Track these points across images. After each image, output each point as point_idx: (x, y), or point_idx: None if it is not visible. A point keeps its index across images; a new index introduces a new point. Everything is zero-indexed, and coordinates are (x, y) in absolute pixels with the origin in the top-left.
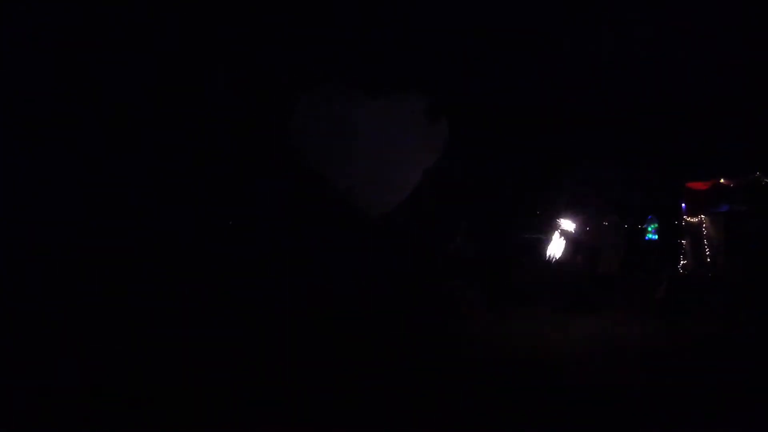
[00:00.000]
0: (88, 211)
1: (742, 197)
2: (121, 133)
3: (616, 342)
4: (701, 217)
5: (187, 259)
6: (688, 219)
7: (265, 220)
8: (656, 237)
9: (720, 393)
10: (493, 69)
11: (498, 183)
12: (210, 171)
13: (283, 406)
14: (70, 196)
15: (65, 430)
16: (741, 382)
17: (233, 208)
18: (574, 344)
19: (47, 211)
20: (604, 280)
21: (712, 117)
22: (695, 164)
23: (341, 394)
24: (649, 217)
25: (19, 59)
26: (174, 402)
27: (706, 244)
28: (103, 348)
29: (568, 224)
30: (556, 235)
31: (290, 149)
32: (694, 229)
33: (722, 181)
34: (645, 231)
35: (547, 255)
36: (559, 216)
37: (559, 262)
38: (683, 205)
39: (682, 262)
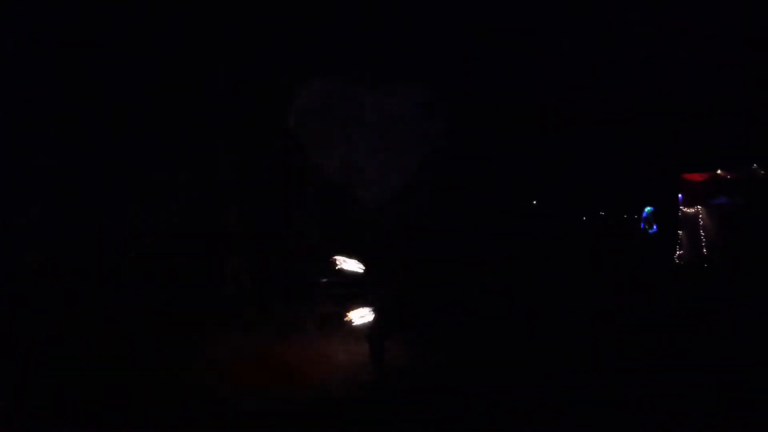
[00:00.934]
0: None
1: (739, 189)
2: (122, 132)
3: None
4: (698, 208)
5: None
6: (685, 210)
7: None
8: (655, 228)
9: (720, 393)
10: (494, 65)
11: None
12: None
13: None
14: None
15: None
16: (741, 381)
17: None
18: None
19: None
20: None
21: (711, 110)
22: (693, 156)
23: None
24: (648, 208)
25: (17, 59)
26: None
27: (702, 235)
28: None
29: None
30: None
31: (291, 143)
32: (691, 220)
33: (719, 172)
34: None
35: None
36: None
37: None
38: (680, 195)
39: (678, 253)
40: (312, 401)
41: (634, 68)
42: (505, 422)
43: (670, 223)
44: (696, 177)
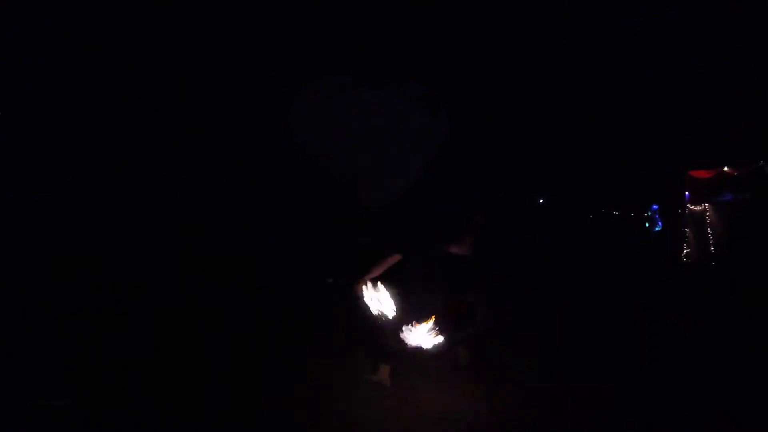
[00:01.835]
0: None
1: (745, 186)
2: (125, 132)
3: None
4: (705, 206)
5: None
6: (692, 207)
7: None
8: (660, 226)
9: (720, 393)
10: (494, 62)
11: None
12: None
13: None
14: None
15: None
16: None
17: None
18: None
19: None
20: None
21: (717, 107)
22: (699, 153)
23: None
24: (654, 207)
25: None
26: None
27: (709, 233)
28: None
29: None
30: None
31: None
32: (698, 218)
33: (726, 169)
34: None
35: None
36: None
37: None
38: (687, 193)
39: (685, 251)
40: None
41: (641, 65)
42: None
43: (677, 221)
44: (702, 174)
